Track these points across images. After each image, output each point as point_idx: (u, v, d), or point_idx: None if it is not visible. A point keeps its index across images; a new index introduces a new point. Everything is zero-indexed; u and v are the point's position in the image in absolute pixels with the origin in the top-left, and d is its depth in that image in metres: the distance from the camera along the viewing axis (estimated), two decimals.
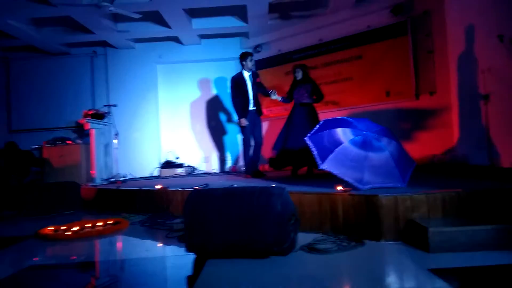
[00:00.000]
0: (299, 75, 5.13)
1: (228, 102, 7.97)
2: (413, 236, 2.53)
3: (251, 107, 5.31)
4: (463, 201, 2.65)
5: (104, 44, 7.67)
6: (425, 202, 2.66)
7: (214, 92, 8.02)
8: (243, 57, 5.34)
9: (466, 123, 5.21)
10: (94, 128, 6.20)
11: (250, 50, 7.80)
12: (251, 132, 5.33)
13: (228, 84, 7.96)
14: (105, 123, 6.68)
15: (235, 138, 7.91)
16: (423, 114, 5.94)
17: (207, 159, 7.88)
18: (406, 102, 6.06)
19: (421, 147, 5.77)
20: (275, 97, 5.27)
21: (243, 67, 5.35)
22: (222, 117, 7.96)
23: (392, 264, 2.36)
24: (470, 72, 4.94)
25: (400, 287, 1.96)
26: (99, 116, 6.48)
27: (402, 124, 6.03)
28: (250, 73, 5.39)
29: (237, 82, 5.32)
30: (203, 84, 8.00)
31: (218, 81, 8.00)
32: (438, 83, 5.84)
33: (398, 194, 2.69)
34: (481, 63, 4.57)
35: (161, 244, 3.13)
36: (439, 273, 1.96)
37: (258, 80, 5.46)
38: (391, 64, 6.23)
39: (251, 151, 5.37)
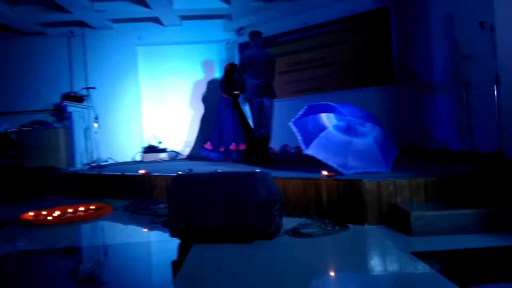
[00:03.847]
0: None
1: (213, 86, 7.86)
2: (396, 220, 2.58)
3: None
4: (445, 185, 2.71)
5: (81, 24, 7.39)
6: (408, 187, 2.71)
7: (198, 75, 7.89)
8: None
9: (441, 110, 5.30)
10: (73, 112, 6.05)
11: (233, 33, 7.71)
12: None
13: (215, 67, 7.90)
14: (84, 106, 6.52)
15: None
16: (404, 100, 6.00)
17: (190, 144, 7.79)
18: (386, 88, 6.10)
19: (403, 132, 5.84)
20: None
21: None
22: (207, 101, 7.85)
23: (375, 247, 2.40)
24: (449, 58, 5.00)
25: (383, 270, 2.00)
26: (78, 99, 6.31)
27: (384, 110, 6.08)
28: None
29: None
30: (186, 66, 7.83)
31: (202, 64, 7.86)
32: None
33: (381, 179, 2.72)
34: (462, 49, 4.61)
35: (145, 230, 3.10)
36: (421, 256, 2.01)
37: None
38: (373, 49, 6.24)
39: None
